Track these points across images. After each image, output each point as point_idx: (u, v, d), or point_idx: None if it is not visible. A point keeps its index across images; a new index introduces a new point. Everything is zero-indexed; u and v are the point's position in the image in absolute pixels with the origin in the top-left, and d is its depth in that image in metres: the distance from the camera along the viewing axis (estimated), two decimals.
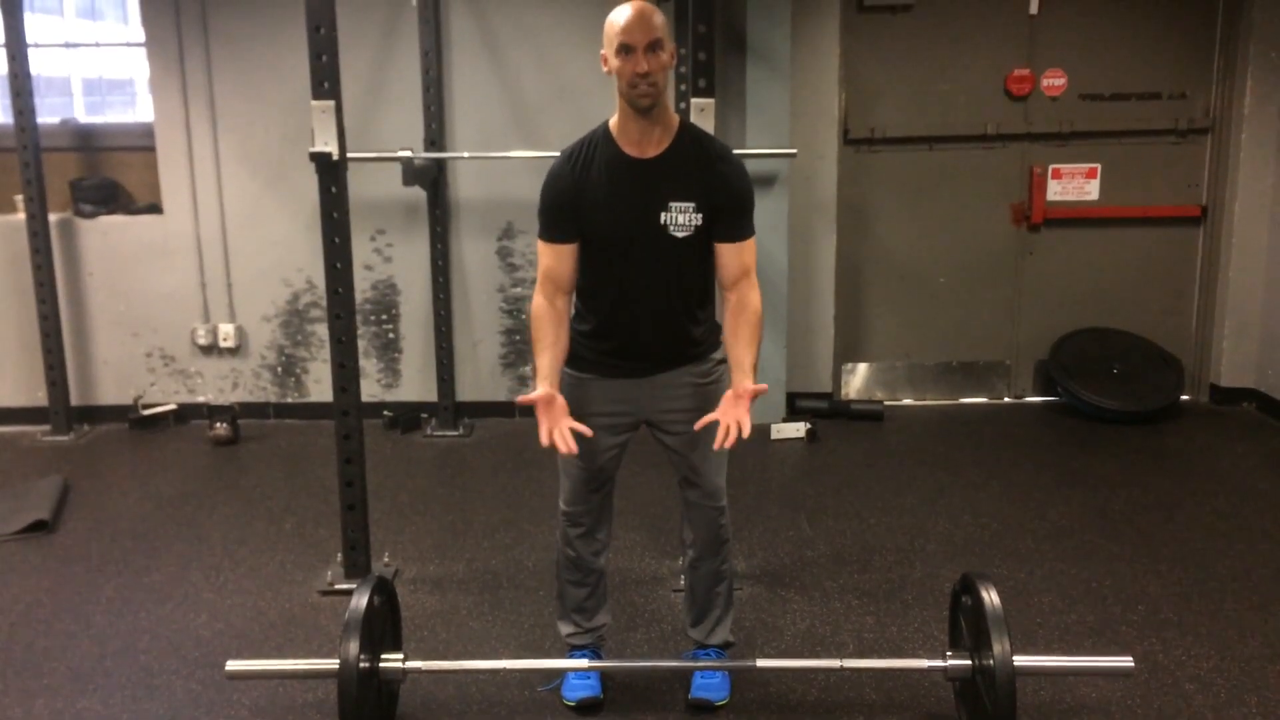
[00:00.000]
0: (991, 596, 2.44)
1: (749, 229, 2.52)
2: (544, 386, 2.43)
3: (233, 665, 2.59)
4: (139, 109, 5.54)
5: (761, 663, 2.74)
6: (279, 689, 2.83)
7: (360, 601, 2.47)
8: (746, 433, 2.35)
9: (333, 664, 2.41)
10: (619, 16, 2.36)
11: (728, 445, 2.38)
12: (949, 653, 2.59)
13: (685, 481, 2.69)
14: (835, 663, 2.81)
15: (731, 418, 2.37)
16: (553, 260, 2.51)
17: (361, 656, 2.39)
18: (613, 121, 2.50)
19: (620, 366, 2.59)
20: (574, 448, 2.39)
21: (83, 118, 5.52)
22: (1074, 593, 3.37)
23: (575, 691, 2.74)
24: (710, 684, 2.74)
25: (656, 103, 2.39)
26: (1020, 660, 2.39)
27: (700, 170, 2.46)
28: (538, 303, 2.53)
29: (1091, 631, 3.12)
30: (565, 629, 2.87)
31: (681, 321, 2.56)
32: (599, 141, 2.49)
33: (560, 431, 2.39)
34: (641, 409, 2.62)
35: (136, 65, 5.39)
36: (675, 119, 2.49)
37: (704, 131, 2.61)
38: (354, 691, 2.36)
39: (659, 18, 2.37)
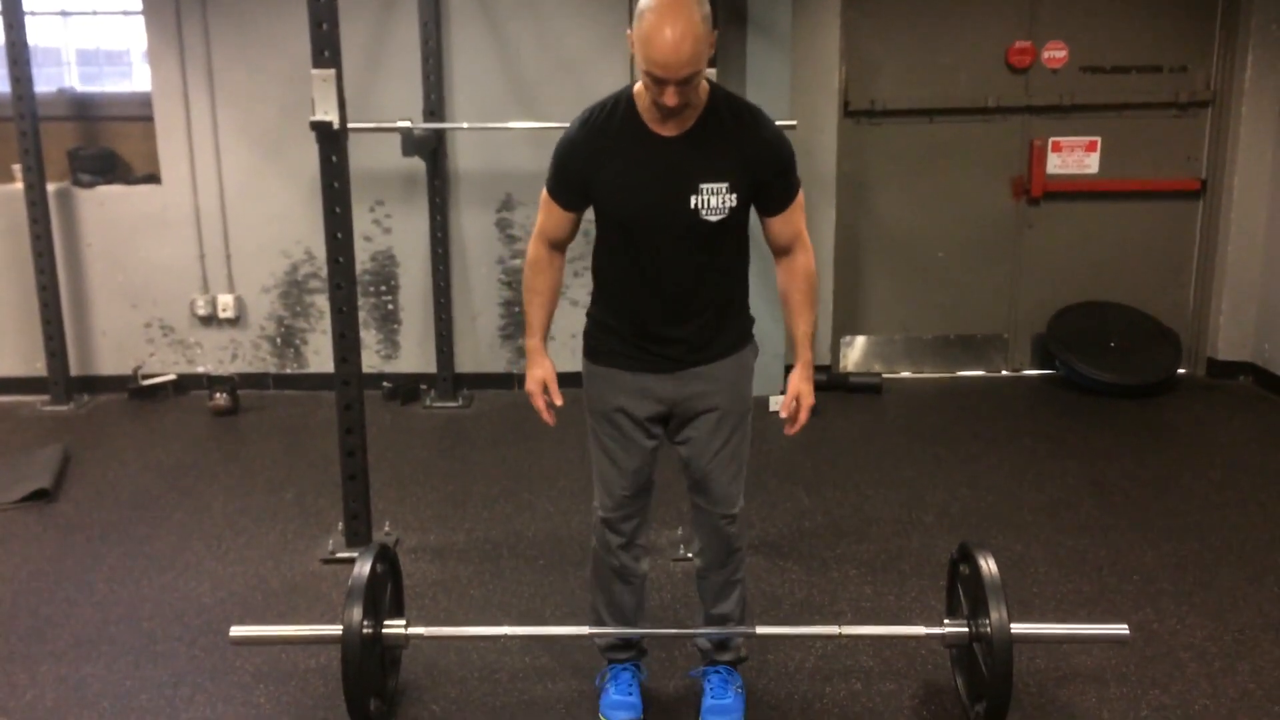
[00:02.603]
0: (989, 564, 2.46)
1: (795, 189, 2.32)
2: (535, 340, 2.47)
3: (237, 631, 2.60)
4: (135, 79, 5.50)
5: (760, 629, 2.74)
6: (282, 655, 2.85)
7: (363, 568, 2.49)
8: (809, 401, 2.41)
9: (336, 630, 2.42)
10: (653, 24, 2.02)
11: (800, 422, 2.42)
12: (946, 620, 2.61)
13: (694, 486, 2.48)
14: (833, 629, 2.83)
15: (791, 395, 2.41)
16: (555, 221, 2.38)
17: (365, 622, 2.41)
18: (637, 88, 2.20)
19: (646, 360, 2.38)
20: (551, 419, 2.47)
21: (79, 88, 5.49)
22: (1070, 563, 3.39)
23: (617, 711, 2.56)
24: (723, 705, 2.54)
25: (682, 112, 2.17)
26: (1017, 627, 2.41)
27: (738, 143, 2.21)
28: (536, 252, 2.42)
29: (1087, 601, 3.15)
30: (605, 641, 2.65)
31: (714, 310, 2.36)
32: (621, 112, 2.22)
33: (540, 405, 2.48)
34: (668, 402, 2.41)
35: (133, 34, 5.36)
36: (705, 87, 2.19)
37: (736, 96, 2.30)
38: (357, 657, 2.37)
39: (699, 24, 2.02)
